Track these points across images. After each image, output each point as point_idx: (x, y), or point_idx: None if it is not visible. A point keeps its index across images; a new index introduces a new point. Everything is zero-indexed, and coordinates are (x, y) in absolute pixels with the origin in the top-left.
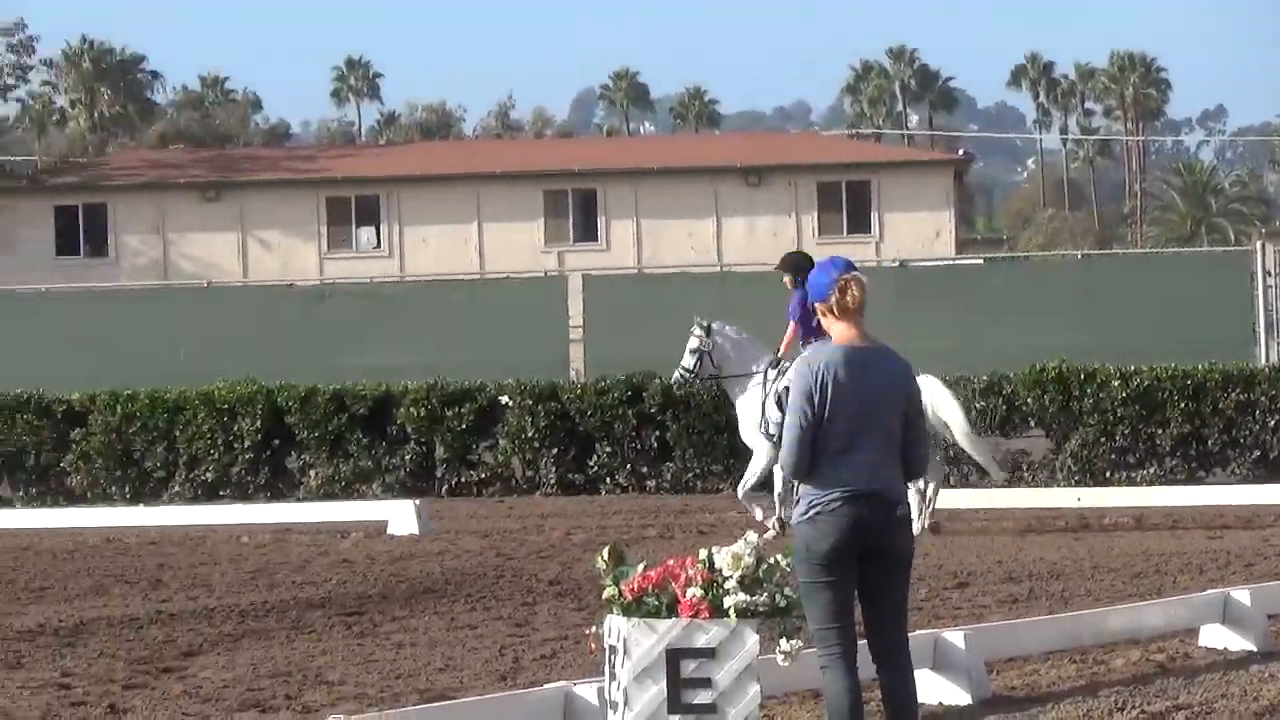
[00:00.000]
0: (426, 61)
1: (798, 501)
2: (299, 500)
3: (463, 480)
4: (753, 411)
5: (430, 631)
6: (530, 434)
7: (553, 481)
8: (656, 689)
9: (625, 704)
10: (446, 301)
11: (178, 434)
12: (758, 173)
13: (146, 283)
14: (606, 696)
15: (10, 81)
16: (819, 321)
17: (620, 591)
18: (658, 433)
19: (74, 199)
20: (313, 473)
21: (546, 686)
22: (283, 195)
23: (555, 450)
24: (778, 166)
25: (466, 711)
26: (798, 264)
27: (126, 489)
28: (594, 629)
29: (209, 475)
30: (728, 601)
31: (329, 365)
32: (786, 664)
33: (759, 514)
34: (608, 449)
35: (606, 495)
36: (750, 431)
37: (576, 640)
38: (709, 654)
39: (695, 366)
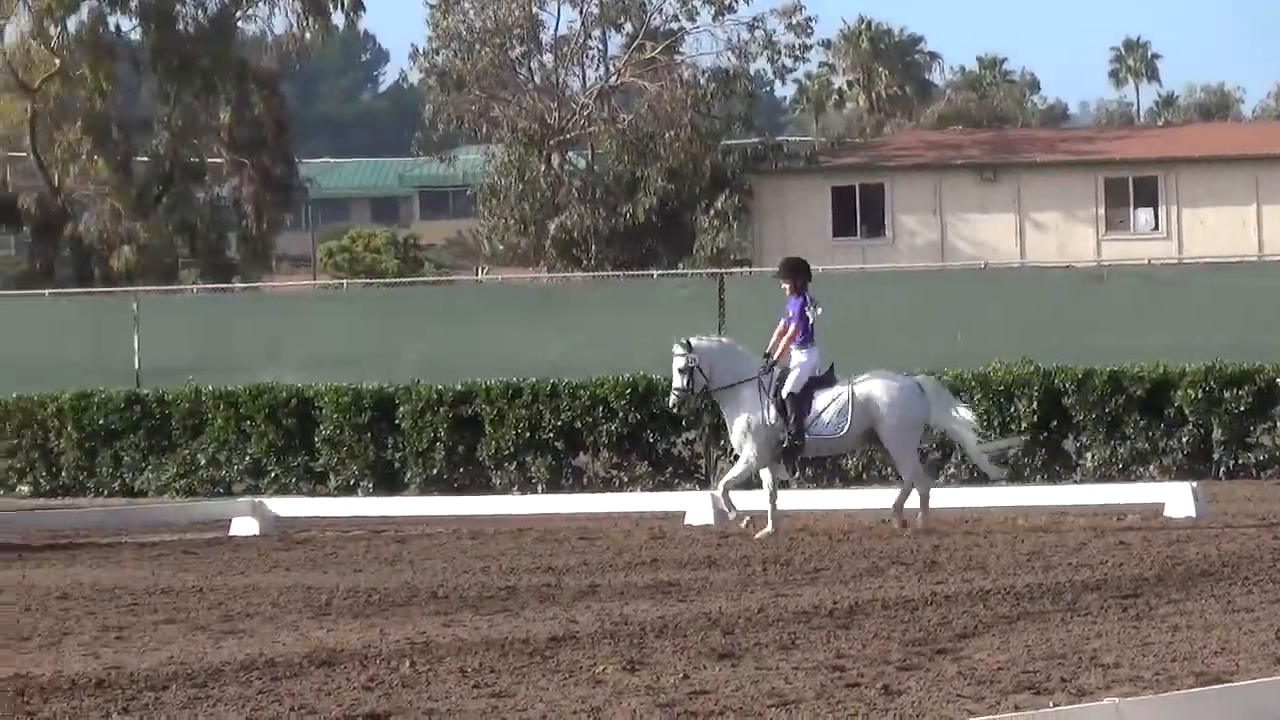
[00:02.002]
0: (1206, 42)
1: None
2: (1075, 482)
3: (1240, 463)
4: (747, 415)
5: (1206, 614)
6: None
7: None
8: None
9: None
10: (1225, 283)
11: None
12: None
13: (923, 264)
14: None
15: (789, 63)
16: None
17: None
18: None
19: (851, 179)
20: (1089, 455)
21: None
22: (1060, 176)
23: None
24: None
25: (1242, 695)
26: (798, 269)
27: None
28: None
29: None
30: None
31: (1105, 347)
32: None
33: (732, 514)
34: None
35: None
36: (741, 435)
37: None
38: None
39: (687, 384)
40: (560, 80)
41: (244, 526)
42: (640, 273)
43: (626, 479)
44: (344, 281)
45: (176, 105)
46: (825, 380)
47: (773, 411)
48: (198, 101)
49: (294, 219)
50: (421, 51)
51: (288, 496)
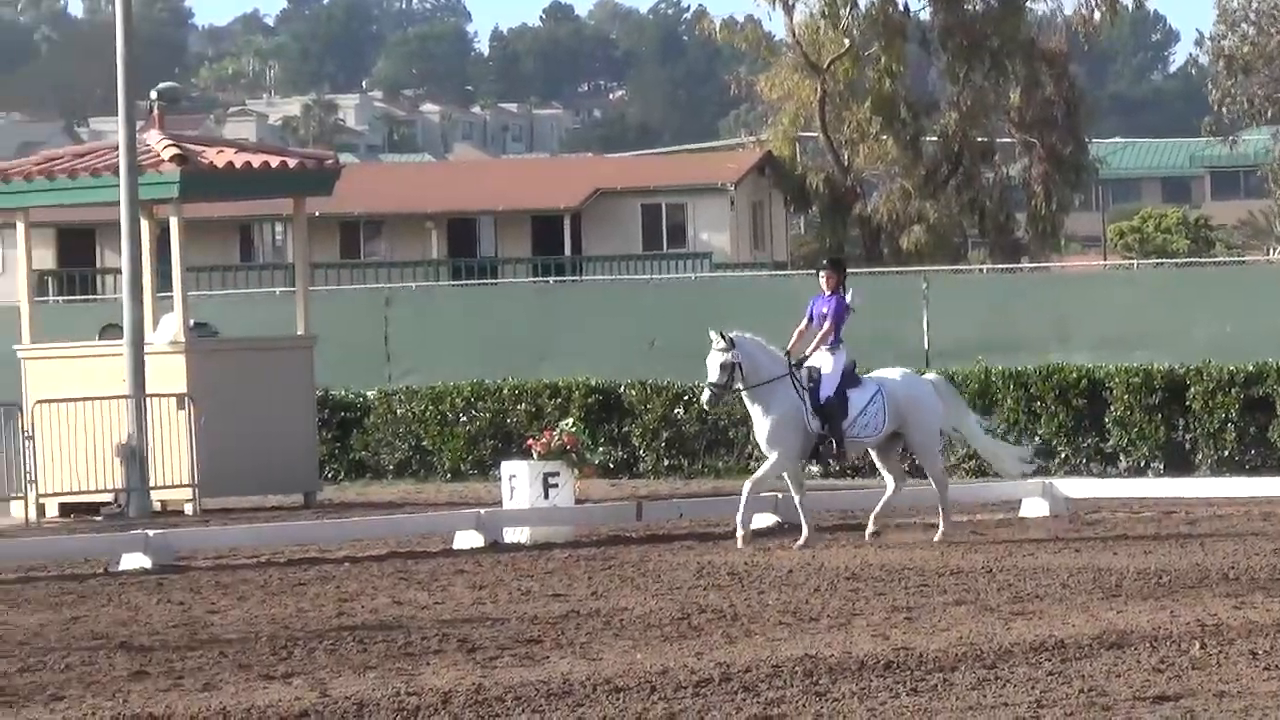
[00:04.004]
0: None
1: None
2: None
3: None
4: (781, 415)
5: None
6: None
7: None
8: None
9: None
10: None
11: None
12: None
13: None
14: None
15: None
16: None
17: None
18: None
19: None
20: None
21: None
22: None
23: None
24: None
25: None
26: (839, 265)
27: None
28: None
29: None
30: None
31: None
32: None
33: (741, 515)
34: None
35: None
36: (774, 436)
37: None
38: None
39: (727, 381)
40: None
41: (1033, 507)
42: None
43: None
44: (1134, 262)
45: (965, 85)
46: (853, 379)
47: (810, 413)
48: (986, 82)
49: (1083, 199)
50: (1208, 36)
51: (1077, 477)
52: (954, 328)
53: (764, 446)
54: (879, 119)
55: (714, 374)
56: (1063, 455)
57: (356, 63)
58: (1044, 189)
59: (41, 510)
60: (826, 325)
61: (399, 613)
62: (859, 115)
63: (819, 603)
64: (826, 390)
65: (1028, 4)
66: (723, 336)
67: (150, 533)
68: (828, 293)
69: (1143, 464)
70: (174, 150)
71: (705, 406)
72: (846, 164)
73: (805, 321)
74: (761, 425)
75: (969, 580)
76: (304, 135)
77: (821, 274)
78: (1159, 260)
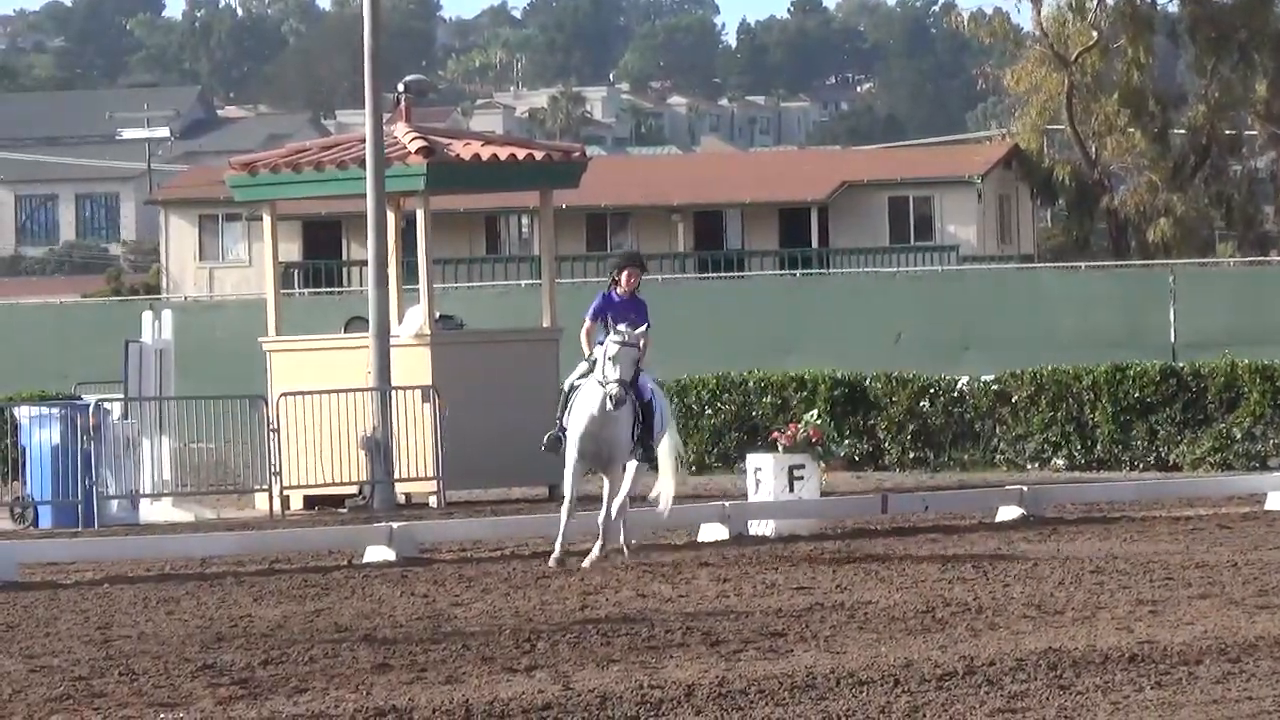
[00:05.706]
0: None
1: None
2: None
3: None
4: (630, 425)
5: None
6: None
7: None
8: None
9: None
10: None
11: None
12: None
13: None
14: None
15: None
16: None
17: None
18: None
19: None
20: None
21: None
22: None
23: None
24: None
25: None
26: (646, 267)
27: None
28: None
29: None
30: None
31: None
32: None
33: (624, 535)
34: None
35: None
36: (628, 444)
37: None
38: None
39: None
40: None
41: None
42: None
43: None
44: None
45: (1213, 78)
46: None
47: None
48: (1234, 74)
49: None
50: None
51: None
52: (1201, 321)
53: (622, 452)
54: (1126, 111)
55: (629, 371)
56: None
57: (603, 55)
58: None
59: (286, 502)
60: (646, 335)
61: (643, 606)
62: (1106, 108)
63: (1063, 596)
64: (646, 393)
65: None
66: (632, 331)
67: (394, 525)
68: (623, 290)
69: None
70: (420, 142)
71: (613, 407)
72: (1093, 157)
73: (590, 321)
74: (619, 432)
75: (1214, 574)
76: (551, 128)
77: (624, 273)
78: None
